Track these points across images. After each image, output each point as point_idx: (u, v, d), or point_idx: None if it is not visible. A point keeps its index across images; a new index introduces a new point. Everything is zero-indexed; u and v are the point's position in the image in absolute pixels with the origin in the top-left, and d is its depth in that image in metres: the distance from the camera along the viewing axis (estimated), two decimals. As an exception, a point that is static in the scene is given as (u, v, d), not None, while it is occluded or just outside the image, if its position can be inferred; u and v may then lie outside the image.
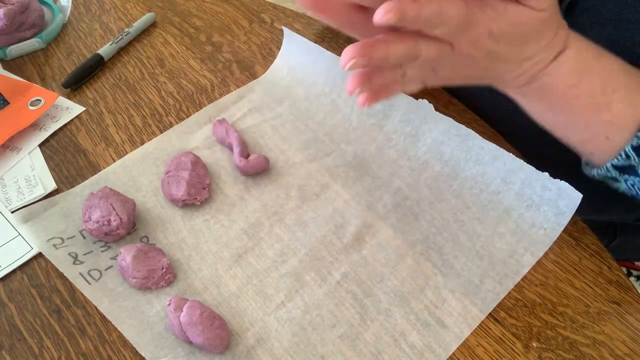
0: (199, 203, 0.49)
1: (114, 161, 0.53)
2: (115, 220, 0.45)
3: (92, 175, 0.52)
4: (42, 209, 0.48)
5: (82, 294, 0.44)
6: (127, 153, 0.54)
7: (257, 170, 0.51)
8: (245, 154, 0.52)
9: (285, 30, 0.60)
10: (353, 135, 0.54)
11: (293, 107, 0.57)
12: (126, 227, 0.46)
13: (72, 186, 0.51)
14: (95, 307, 0.43)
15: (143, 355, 0.40)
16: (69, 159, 0.54)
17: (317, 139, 0.54)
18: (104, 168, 0.52)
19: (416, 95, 0.53)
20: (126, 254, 0.43)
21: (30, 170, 0.53)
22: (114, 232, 0.45)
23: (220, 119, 0.55)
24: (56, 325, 0.43)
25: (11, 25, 0.62)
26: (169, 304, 0.41)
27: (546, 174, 0.48)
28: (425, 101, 0.52)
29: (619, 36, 0.43)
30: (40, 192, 0.50)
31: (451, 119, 0.51)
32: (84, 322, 0.43)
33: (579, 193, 0.47)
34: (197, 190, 0.49)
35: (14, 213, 0.48)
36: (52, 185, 0.51)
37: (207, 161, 0.52)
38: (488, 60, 0.37)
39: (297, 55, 0.59)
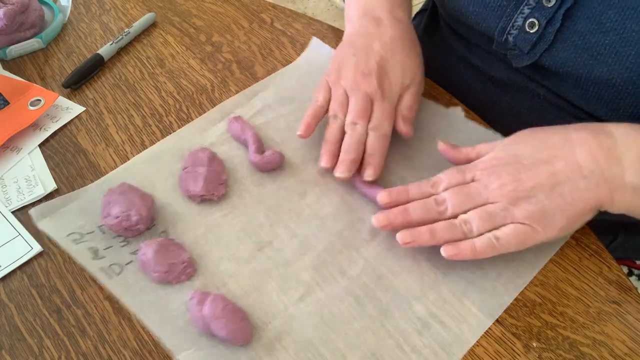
0: (216, 199, 0.49)
1: (114, 161, 0.53)
2: (135, 216, 0.45)
3: (93, 175, 0.52)
4: (60, 204, 0.48)
5: (82, 294, 0.44)
6: (127, 153, 0.54)
7: (273, 166, 0.51)
8: (261, 151, 0.52)
9: (315, 39, 0.62)
10: None
11: (309, 103, 0.57)
12: (146, 222, 0.46)
13: (72, 186, 0.51)
14: (95, 307, 0.43)
15: (168, 347, 0.40)
16: (69, 159, 0.54)
17: None
18: (104, 168, 0.52)
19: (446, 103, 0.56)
20: (147, 248, 0.44)
21: (30, 170, 0.53)
22: (133, 228, 0.46)
23: (237, 116, 0.55)
24: (56, 325, 0.43)
25: (11, 25, 0.62)
26: (192, 298, 0.41)
27: None
28: (458, 108, 0.54)
29: (622, 45, 0.44)
30: (40, 192, 0.50)
31: (481, 125, 0.53)
32: (84, 322, 0.43)
33: None
34: (214, 186, 0.49)
35: (33, 209, 0.47)
36: (52, 185, 0.51)
37: (222, 157, 0.52)
38: None
39: (319, 59, 0.60)
